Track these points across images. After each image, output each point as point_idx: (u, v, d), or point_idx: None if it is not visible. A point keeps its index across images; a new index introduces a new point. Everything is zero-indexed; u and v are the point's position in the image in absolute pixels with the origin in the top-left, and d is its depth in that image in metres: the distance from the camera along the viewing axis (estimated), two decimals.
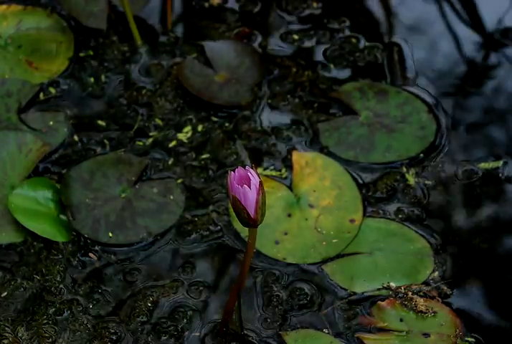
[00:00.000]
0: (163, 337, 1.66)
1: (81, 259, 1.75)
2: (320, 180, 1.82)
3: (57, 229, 1.76)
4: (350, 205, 1.79)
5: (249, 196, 1.38)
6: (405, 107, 1.93)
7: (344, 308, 1.68)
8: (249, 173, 1.38)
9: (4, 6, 2.07)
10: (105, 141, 1.91)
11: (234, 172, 1.40)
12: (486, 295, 1.70)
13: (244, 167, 1.39)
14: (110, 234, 1.75)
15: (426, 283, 1.70)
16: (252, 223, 1.40)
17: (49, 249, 1.75)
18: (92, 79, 2.01)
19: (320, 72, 2.02)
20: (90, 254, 1.75)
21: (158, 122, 1.94)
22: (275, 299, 1.69)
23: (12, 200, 1.76)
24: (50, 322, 1.66)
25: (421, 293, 1.68)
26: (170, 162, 1.88)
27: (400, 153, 1.87)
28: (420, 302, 1.65)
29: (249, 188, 1.38)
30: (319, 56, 2.05)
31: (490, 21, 2.10)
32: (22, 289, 1.71)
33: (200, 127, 1.93)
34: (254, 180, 1.37)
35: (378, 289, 1.69)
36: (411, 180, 1.84)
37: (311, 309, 1.69)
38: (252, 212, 1.39)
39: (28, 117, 1.92)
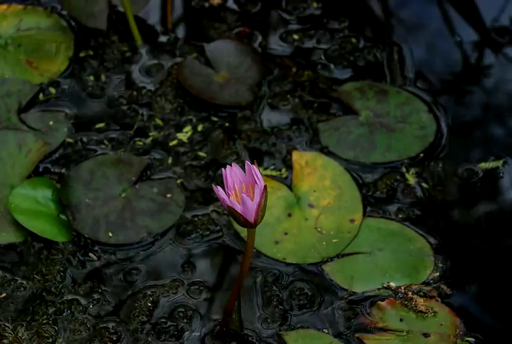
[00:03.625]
0: (163, 337, 1.66)
1: (81, 259, 1.75)
2: (320, 180, 1.82)
3: (57, 229, 1.76)
4: (350, 205, 1.79)
5: (248, 205, 1.36)
6: (405, 107, 1.93)
7: (344, 308, 1.68)
8: (255, 177, 1.36)
9: (4, 6, 2.07)
10: (105, 141, 1.91)
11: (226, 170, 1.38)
12: (486, 295, 1.70)
13: (243, 166, 1.39)
14: (110, 234, 1.75)
15: (426, 283, 1.70)
16: (249, 225, 1.39)
17: (49, 249, 1.75)
18: (92, 79, 2.01)
19: (320, 72, 2.02)
20: (90, 254, 1.75)
21: (158, 122, 1.94)
22: (275, 299, 1.69)
23: (12, 200, 1.76)
24: (50, 322, 1.66)
25: (421, 293, 1.68)
26: (170, 162, 1.88)
27: (400, 152, 1.87)
28: (420, 302, 1.65)
29: (252, 193, 1.37)
30: (319, 56, 2.05)
31: (489, 21, 2.10)
32: (22, 289, 1.71)
33: (200, 127, 1.93)
34: (260, 183, 1.35)
35: (378, 289, 1.69)
36: (411, 180, 1.84)
37: (311, 309, 1.69)
38: (251, 218, 1.38)
39: (28, 117, 1.92)
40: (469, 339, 1.63)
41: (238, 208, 1.35)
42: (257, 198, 1.35)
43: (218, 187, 1.35)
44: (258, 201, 1.35)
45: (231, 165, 1.39)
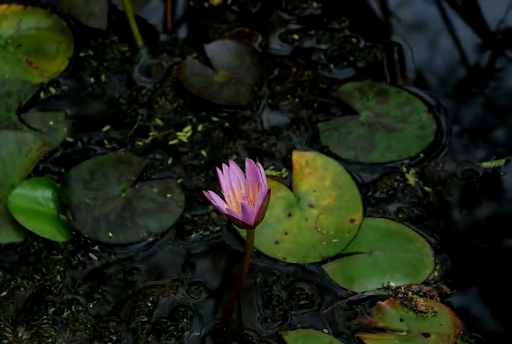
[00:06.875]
0: (163, 337, 1.65)
1: (81, 259, 1.75)
2: (320, 180, 1.82)
3: (57, 229, 1.76)
4: (350, 205, 1.79)
5: (249, 211, 1.32)
6: (405, 107, 1.93)
7: (344, 308, 1.68)
8: (259, 178, 1.32)
9: (4, 6, 2.07)
10: (105, 141, 1.91)
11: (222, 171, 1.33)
12: (486, 295, 1.70)
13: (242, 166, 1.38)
14: (110, 234, 1.75)
15: (426, 283, 1.70)
16: (248, 227, 1.37)
17: (49, 249, 1.75)
18: (92, 79, 2.01)
19: (320, 72, 2.02)
20: (90, 254, 1.75)
21: (158, 122, 1.94)
22: (275, 299, 1.69)
23: (12, 200, 1.76)
24: (50, 322, 1.66)
25: (421, 293, 1.68)
26: (170, 162, 1.88)
27: (400, 152, 1.87)
28: (420, 302, 1.65)
29: (253, 194, 1.33)
30: (319, 56, 2.05)
31: (490, 21, 2.10)
32: (22, 289, 1.71)
33: (200, 127, 1.93)
34: (264, 186, 1.31)
35: (378, 289, 1.69)
36: (411, 180, 1.84)
37: (311, 309, 1.69)
38: (251, 222, 1.34)
39: (28, 117, 1.92)
40: (469, 339, 1.63)
41: (238, 216, 1.32)
42: (259, 202, 1.31)
43: (211, 193, 1.31)
44: (260, 205, 1.32)
45: (227, 164, 1.35)
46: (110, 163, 1.84)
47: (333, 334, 1.65)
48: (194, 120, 1.94)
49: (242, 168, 1.38)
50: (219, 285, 1.72)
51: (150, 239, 1.77)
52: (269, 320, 1.67)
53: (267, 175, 1.83)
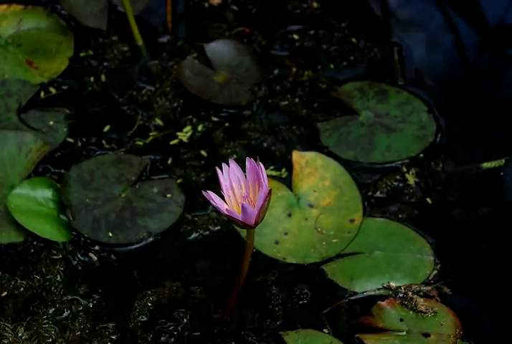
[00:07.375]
0: (163, 337, 1.65)
1: (81, 259, 1.75)
2: (320, 180, 1.82)
3: (57, 229, 1.76)
4: (350, 205, 1.79)
5: (249, 212, 1.31)
6: (405, 107, 1.93)
7: (344, 308, 1.68)
8: (260, 178, 1.32)
9: (4, 6, 2.07)
10: (105, 141, 1.91)
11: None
12: (486, 295, 1.70)
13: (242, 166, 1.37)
14: (110, 234, 1.75)
15: (426, 283, 1.70)
16: (248, 227, 1.37)
17: (49, 249, 1.75)
18: (92, 79, 2.01)
19: (320, 72, 2.02)
20: (90, 254, 1.75)
21: (158, 122, 1.94)
22: (274, 299, 1.69)
23: (12, 200, 1.76)
24: (50, 322, 1.66)
25: (421, 293, 1.68)
26: (170, 162, 1.88)
27: (400, 152, 1.87)
28: (420, 301, 1.65)
29: (253, 193, 1.33)
30: (319, 56, 2.05)
31: (490, 21, 2.10)
32: (22, 289, 1.71)
33: (200, 127, 1.93)
34: (265, 186, 1.30)
35: (378, 289, 1.69)
36: (411, 180, 1.84)
37: (311, 309, 1.69)
38: (251, 222, 1.34)
39: (28, 117, 1.92)
40: (469, 339, 1.63)
41: (237, 216, 1.32)
42: (259, 202, 1.31)
43: (210, 193, 1.31)
44: (260, 205, 1.32)
45: (227, 164, 1.35)
46: (110, 163, 1.84)
47: (333, 334, 1.65)
48: (194, 120, 1.94)
49: (242, 168, 1.38)
50: (219, 285, 1.72)
51: (150, 239, 1.77)
52: (269, 320, 1.67)
53: (267, 175, 1.84)
